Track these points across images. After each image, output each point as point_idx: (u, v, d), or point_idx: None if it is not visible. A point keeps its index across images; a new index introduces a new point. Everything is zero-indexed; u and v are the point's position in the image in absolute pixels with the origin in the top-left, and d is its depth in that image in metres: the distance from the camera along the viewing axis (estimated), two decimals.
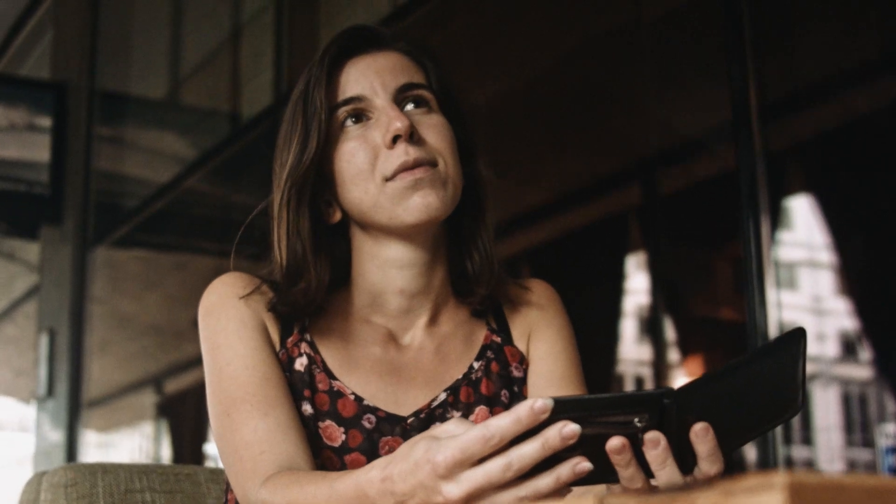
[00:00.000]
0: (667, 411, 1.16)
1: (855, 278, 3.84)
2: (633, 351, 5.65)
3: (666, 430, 1.17)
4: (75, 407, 6.50)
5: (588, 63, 4.73)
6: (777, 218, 3.39)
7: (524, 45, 4.78)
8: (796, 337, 1.18)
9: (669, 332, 4.76)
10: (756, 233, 3.08)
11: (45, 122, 6.73)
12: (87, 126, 6.73)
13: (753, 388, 1.20)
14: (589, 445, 1.12)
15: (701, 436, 1.18)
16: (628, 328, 5.28)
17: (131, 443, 9.09)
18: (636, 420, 1.15)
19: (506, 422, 1.11)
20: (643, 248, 5.07)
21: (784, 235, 3.28)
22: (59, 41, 7.50)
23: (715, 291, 4.67)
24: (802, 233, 3.80)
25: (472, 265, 1.70)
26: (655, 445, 1.17)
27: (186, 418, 7.61)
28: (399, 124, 1.59)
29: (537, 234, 5.19)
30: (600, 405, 1.14)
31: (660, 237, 4.78)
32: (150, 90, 7.22)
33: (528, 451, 1.11)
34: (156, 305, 7.62)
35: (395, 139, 1.60)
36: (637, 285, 5.05)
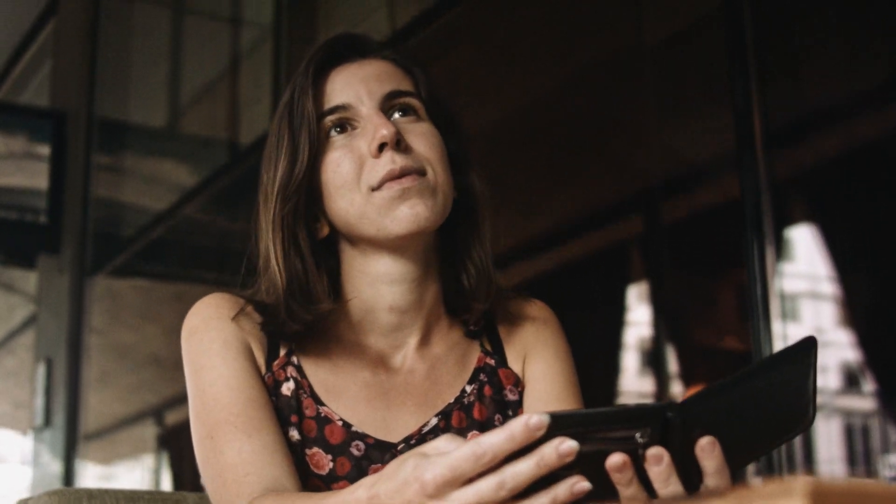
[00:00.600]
0: (670, 425, 1.10)
1: (858, 309, 3.80)
2: (634, 383, 5.60)
3: (669, 445, 1.10)
4: (73, 437, 6.47)
5: (588, 90, 4.70)
6: (781, 247, 3.35)
7: (523, 72, 4.75)
8: (807, 346, 1.13)
9: (672, 363, 4.72)
10: (761, 262, 3.05)
11: (44, 150, 6.71)
12: (86, 154, 6.71)
13: (762, 400, 1.14)
14: (587, 463, 1.07)
15: (707, 451, 1.12)
16: (630, 360, 5.22)
17: (133, 475, 9.03)
18: (638, 435, 1.09)
19: (499, 438, 1.06)
20: (645, 277, 5.02)
21: (785, 266, 3.23)
22: (58, 69, 7.49)
23: (718, 321, 4.62)
24: (804, 264, 3.75)
25: (467, 280, 1.65)
26: (658, 462, 1.11)
27: (187, 450, 7.54)
28: (385, 132, 1.55)
29: (537, 264, 5.15)
30: (599, 420, 1.08)
31: (662, 266, 4.74)
32: (149, 118, 7.20)
33: (523, 469, 1.06)
34: (155, 336, 7.57)
35: (382, 148, 1.55)
36: (639, 316, 5.00)
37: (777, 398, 1.14)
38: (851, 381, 3.99)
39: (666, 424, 1.10)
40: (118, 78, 7.14)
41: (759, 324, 3.03)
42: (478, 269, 1.66)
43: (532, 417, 1.04)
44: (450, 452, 1.08)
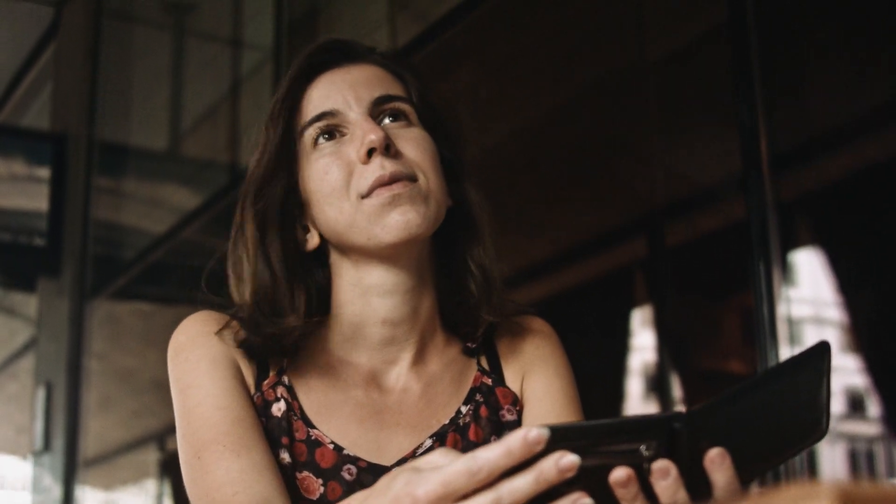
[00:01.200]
0: (677, 437, 1.05)
1: (863, 334, 3.76)
2: (638, 409, 5.57)
3: (677, 458, 1.05)
4: (72, 462, 6.44)
5: (590, 110, 4.67)
6: (786, 271, 3.32)
7: (525, 92, 4.73)
8: (820, 351, 1.07)
9: (676, 388, 4.68)
10: (767, 285, 3.02)
11: (44, 172, 6.71)
12: (86, 177, 6.69)
13: (774, 409, 1.08)
14: (590, 478, 1.01)
15: (717, 463, 1.06)
16: (634, 385, 5.19)
17: (135, 501, 9.00)
18: (643, 448, 1.03)
19: (495, 453, 1.00)
20: (649, 301, 4.99)
21: (789, 291, 3.20)
22: (58, 92, 7.48)
23: (722, 345, 4.59)
24: (808, 289, 3.72)
25: (471, 290, 1.60)
26: (665, 476, 1.04)
27: None
28: (373, 136, 1.50)
29: (539, 289, 5.11)
30: (602, 432, 1.02)
31: (666, 290, 4.71)
32: (150, 141, 7.19)
33: (521, 485, 1.00)
34: (157, 361, 7.50)
35: (371, 154, 1.51)
36: (643, 341, 4.96)
37: (789, 407, 1.08)
38: (856, 405, 3.97)
39: (672, 436, 1.05)
40: (119, 101, 7.13)
41: (766, 348, 2.99)
42: (482, 279, 1.60)
43: (531, 431, 0.99)
44: (443, 467, 1.03)
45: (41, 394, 6.68)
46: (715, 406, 1.08)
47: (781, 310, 3.04)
